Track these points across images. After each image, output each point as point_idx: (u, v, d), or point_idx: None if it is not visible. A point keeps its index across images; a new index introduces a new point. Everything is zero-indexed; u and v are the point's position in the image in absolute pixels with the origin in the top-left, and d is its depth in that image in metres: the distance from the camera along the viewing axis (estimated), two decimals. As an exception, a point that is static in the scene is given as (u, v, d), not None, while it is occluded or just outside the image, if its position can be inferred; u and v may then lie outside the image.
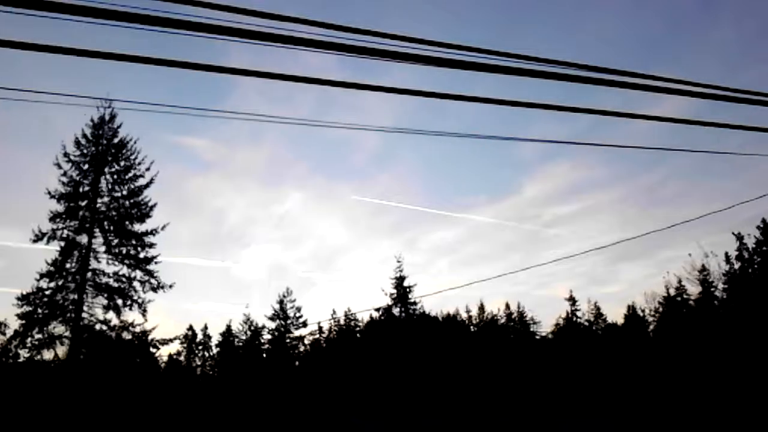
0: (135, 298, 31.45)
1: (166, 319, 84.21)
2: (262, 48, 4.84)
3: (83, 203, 31.96)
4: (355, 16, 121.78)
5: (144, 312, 31.43)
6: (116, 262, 31.77)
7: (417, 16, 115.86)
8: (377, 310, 50.63)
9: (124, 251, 32.02)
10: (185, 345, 61.97)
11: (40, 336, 29.79)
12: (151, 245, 32.53)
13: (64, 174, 32.07)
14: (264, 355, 53.63)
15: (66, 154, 32.38)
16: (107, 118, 33.61)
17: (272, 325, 52.57)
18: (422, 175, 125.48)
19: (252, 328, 54.88)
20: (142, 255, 32.25)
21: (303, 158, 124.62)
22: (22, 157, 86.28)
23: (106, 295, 31.06)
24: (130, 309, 31.35)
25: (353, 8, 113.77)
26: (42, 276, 30.47)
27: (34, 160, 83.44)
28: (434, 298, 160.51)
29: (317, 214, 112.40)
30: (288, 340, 52.39)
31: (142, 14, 4.28)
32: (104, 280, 31.32)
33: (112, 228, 32.11)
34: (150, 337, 31.78)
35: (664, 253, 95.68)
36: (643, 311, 57.95)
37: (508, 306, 67.21)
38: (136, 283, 31.69)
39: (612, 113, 6.87)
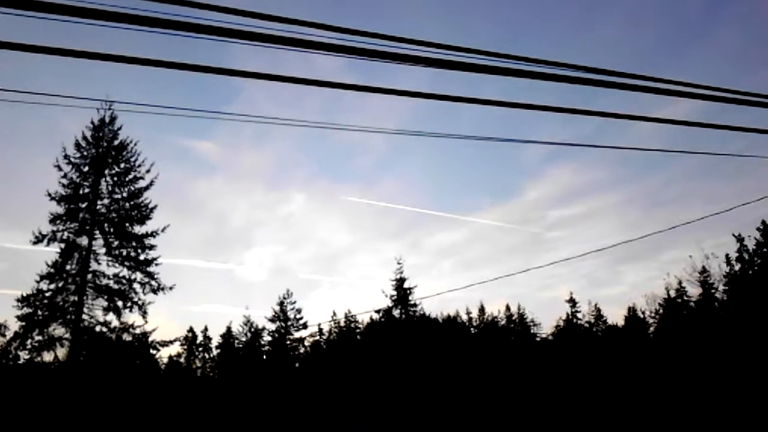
0: (135, 299, 31.48)
1: (167, 320, 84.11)
2: (269, 50, 4.84)
3: (83, 205, 32.00)
4: (363, 19, 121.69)
5: (144, 314, 31.50)
6: (116, 264, 31.82)
7: (424, 19, 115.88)
8: (377, 311, 50.58)
9: (124, 253, 32.03)
10: (185, 347, 61.75)
11: (40, 338, 29.78)
12: (152, 247, 32.59)
13: (65, 176, 32.13)
14: (264, 357, 53.56)
15: (66, 156, 32.43)
16: (107, 120, 33.70)
17: (272, 326, 52.58)
18: (426, 177, 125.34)
19: (252, 329, 54.82)
20: (142, 257, 32.29)
21: (307, 160, 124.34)
22: (23, 158, 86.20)
23: (106, 297, 31.07)
24: (131, 311, 31.39)
25: (361, 11, 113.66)
26: (42, 278, 30.47)
27: (34, 162, 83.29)
28: (435, 300, 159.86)
29: (320, 216, 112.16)
30: (288, 342, 52.33)
31: (151, 17, 4.28)
32: (104, 281, 31.35)
33: (112, 230, 32.12)
34: (150, 339, 31.82)
35: (665, 255, 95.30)
36: (643, 313, 57.88)
37: (508, 308, 67.08)
38: (136, 285, 31.74)
39: (616, 115, 6.88)
